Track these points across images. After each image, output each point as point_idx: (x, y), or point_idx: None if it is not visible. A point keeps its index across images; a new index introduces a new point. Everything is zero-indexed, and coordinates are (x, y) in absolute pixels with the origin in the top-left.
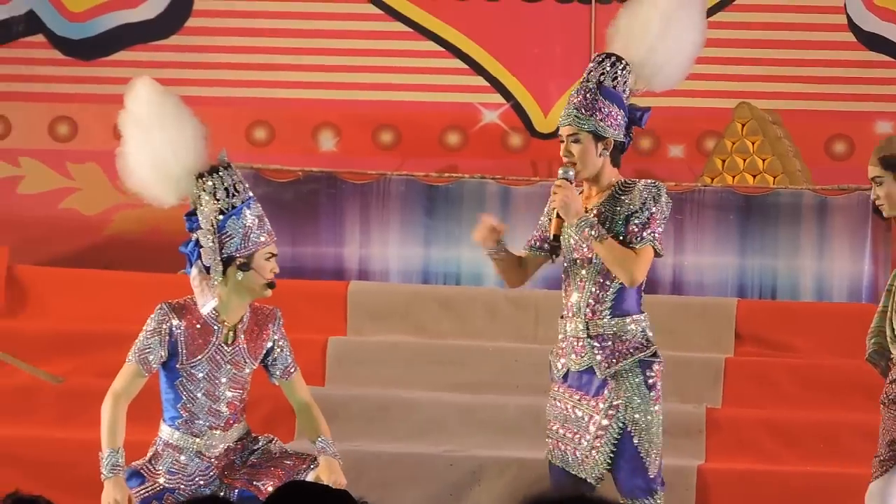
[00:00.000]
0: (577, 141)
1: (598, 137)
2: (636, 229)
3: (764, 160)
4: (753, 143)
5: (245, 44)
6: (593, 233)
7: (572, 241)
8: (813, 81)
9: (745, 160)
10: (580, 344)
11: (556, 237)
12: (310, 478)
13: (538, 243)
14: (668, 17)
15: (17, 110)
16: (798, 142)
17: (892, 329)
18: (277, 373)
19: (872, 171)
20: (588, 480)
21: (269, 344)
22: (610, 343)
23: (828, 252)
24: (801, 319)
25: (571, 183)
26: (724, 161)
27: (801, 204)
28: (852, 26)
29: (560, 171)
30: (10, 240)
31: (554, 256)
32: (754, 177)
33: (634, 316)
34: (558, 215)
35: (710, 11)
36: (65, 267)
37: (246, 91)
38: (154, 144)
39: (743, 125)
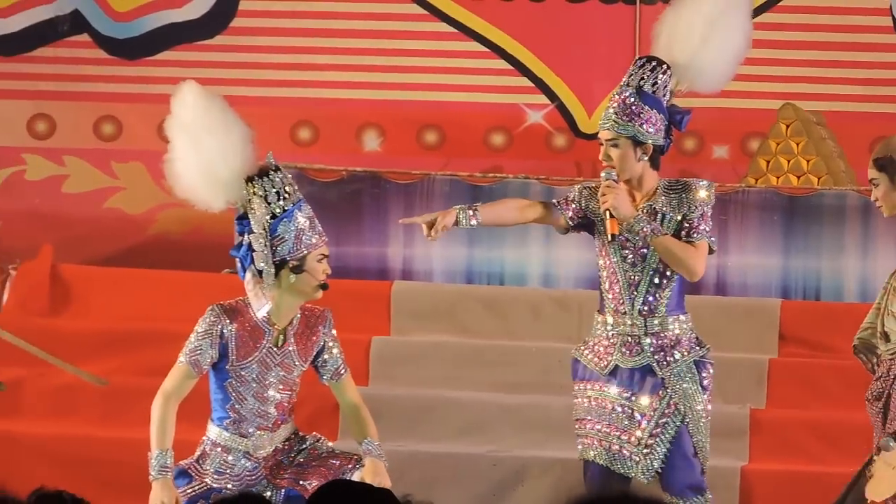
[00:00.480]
0: (615, 146)
1: (636, 143)
2: (692, 225)
3: (808, 161)
4: (798, 144)
5: (289, 44)
6: (651, 229)
7: (623, 237)
8: (857, 83)
9: (789, 161)
10: (635, 341)
11: (614, 236)
12: (355, 478)
13: (570, 215)
14: (712, 20)
15: (62, 110)
16: (842, 143)
17: (883, 325)
18: (328, 374)
19: (870, 173)
20: (636, 478)
21: (320, 345)
22: (668, 341)
23: (872, 253)
24: (845, 320)
25: (617, 183)
26: (768, 162)
27: (846, 205)
28: None
29: (603, 174)
30: (55, 239)
31: (562, 233)
32: (798, 178)
33: (682, 315)
34: (611, 215)
35: (755, 13)
36: (108, 266)
37: (290, 91)
38: (202, 149)
39: (787, 126)
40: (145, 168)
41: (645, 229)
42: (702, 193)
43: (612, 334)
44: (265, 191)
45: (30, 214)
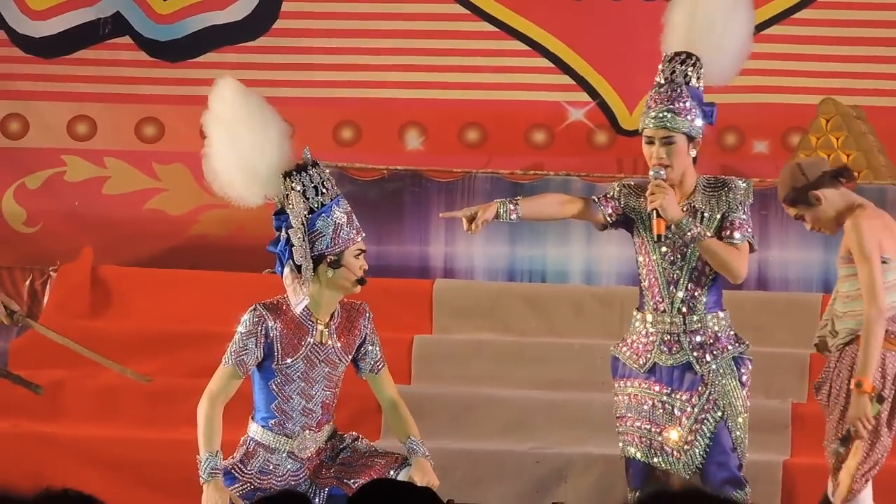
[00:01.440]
0: (670, 143)
1: (690, 138)
2: (734, 226)
3: (848, 155)
4: (838, 139)
5: (332, 45)
6: (698, 231)
7: (665, 238)
8: None
9: (829, 156)
10: (674, 339)
11: (661, 237)
12: (401, 477)
13: (609, 212)
14: (728, 12)
15: (104, 111)
16: (882, 137)
17: (833, 324)
18: (367, 367)
19: (789, 211)
20: (678, 473)
21: (361, 339)
22: (708, 339)
23: None
24: None
25: (665, 181)
26: (808, 156)
27: (886, 199)
28: None
29: (652, 173)
30: (95, 240)
31: (600, 229)
32: None
33: (721, 312)
34: (658, 215)
35: (796, 8)
36: (150, 267)
37: (333, 91)
38: (240, 144)
39: (827, 121)
40: (188, 169)
41: (693, 231)
42: (741, 192)
43: (652, 332)
44: (303, 185)
45: (70, 216)
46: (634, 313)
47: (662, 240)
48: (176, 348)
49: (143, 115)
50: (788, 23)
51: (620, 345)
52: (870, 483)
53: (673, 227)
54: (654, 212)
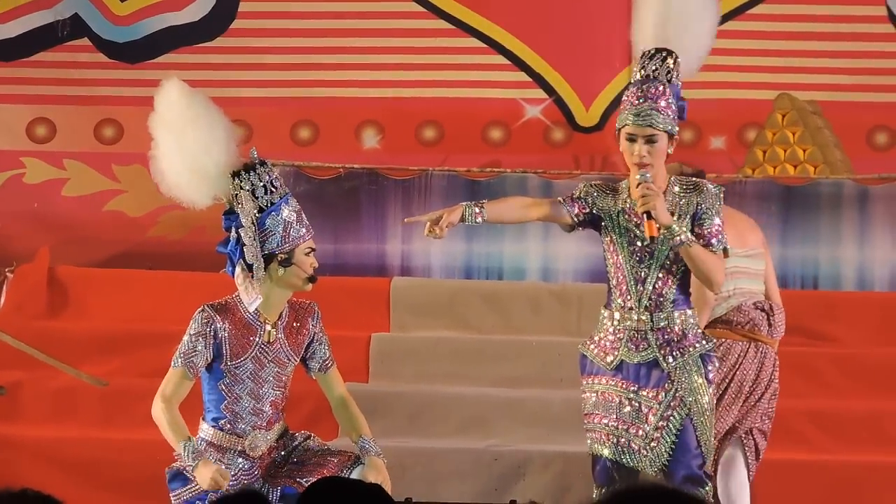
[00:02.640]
0: (653, 141)
1: (670, 136)
2: (710, 234)
3: (805, 150)
4: (794, 134)
5: (289, 44)
6: (684, 238)
7: (630, 233)
8: (853, 72)
9: (785, 151)
10: (641, 336)
11: (653, 239)
12: (354, 476)
13: (576, 212)
14: (698, 5)
15: (62, 113)
16: (839, 132)
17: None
18: (315, 366)
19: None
20: (644, 471)
21: (310, 338)
22: (674, 336)
23: (869, 241)
24: (844, 309)
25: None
26: (765, 152)
27: (842, 194)
28: (892, 17)
29: (639, 176)
30: (54, 242)
31: (568, 231)
32: (795, 167)
33: (688, 310)
34: (649, 217)
35: (751, 4)
36: (108, 268)
37: (290, 91)
38: (187, 145)
39: (783, 116)
40: (147, 171)
41: (681, 237)
42: (713, 198)
43: (619, 329)
44: (252, 185)
45: (28, 217)
46: (602, 311)
47: (656, 242)
48: (134, 348)
49: (102, 117)
50: (743, 18)
51: (588, 342)
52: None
53: (663, 230)
54: (647, 214)
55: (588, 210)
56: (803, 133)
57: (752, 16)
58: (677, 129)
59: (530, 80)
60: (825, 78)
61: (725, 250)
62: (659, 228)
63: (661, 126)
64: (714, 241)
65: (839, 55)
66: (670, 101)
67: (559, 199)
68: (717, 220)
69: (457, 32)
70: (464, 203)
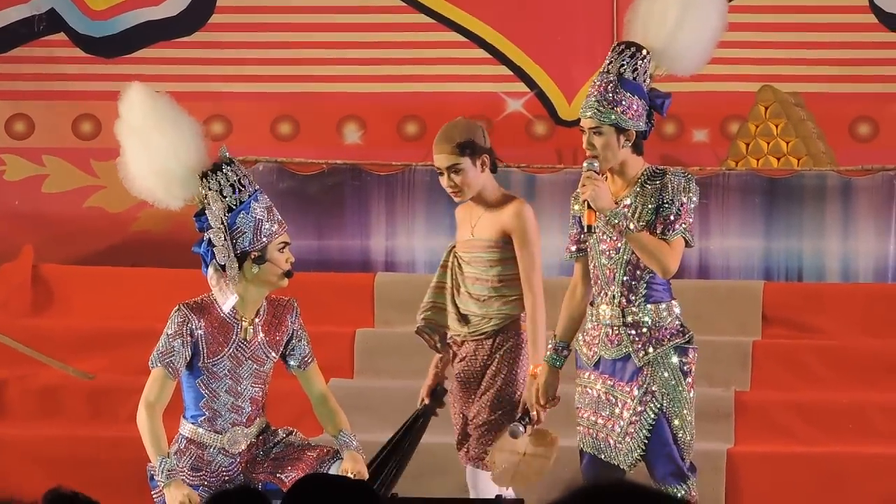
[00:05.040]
0: (599, 133)
1: (619, 130)
2: (668, 220)
3: (788, 143)
4: (777, 126)
5: (268, 39)
6: (626, 224)
7: (600, 231)
8: (836, 63)
9: (769, 143)
10: (615, 332)
11: (591, 228)
12: (333, 470)
13: (576, 246)
14: (686, 3)
15: (40, 109)
16: (821, 124)
17: (457, 307)
18: (295, 363)
19: (444, 158)
20: (621, 467)
21: (289, 335)
22: (646, 330)
23: (853, 233)
24: (828, 300)
25: (598, 174)
26: (748, 144)
27: (826, 185)
28: (874, 7)
29: (585, 164)
30: (35, 239)
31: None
32: (778, 159)
33: (667, 303)
34: (590, 206)
35: None
36: (91, 265)
37: (270, 86)
38: (153, 149)
39: (766, 108)
40: None
41: (621, 224)
42: (679, 187)
43: (596, 325)
44: (219, 185)
45: (9, 215)
46: (588, 307)
47: (592, 231)
48: (118, 346)
49: (80, 112)
50: None
51: (579, 336)
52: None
53: (602, 218)
54: (586, 203)
55: (577, 230)
56: (786, 125)
57: (734, 7)
58: (632, 123)
59: (511, 73)
60: (807, 69)
61: (686, 238)
62: (597, 217)
63: (604, 119)
64: (669, 230)
65: (821, 46)
66: (618, 95)
67: (567, 255)
68: (674, 208)
69: (437, 26)
70: (546, 359)
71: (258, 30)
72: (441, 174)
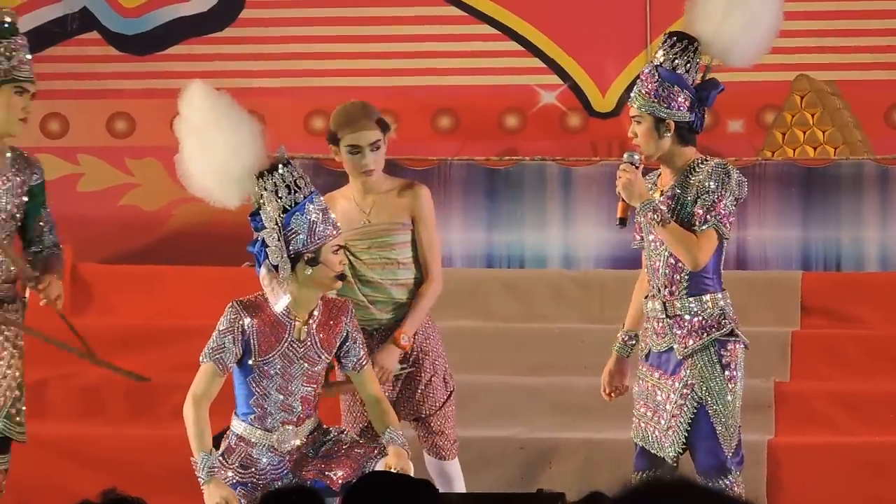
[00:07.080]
0: (639, 122)
1: (658, 119)
2: (701, 212)
3: (824, 132)
4: (813, 115)
5: (300, 33)
6: (656, 216)
7: (644, 223)
8: (871, 51)
9: (805, 132)
10: (660, 325)
11: (623, 220)
12: (379, 466)
13: (640, 236)
14: None
15: (75, 108)
16: (857, 112)
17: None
18: (350, 365)
19: (375, 135)
20: (667, 460)
21: (343, 336)
22: (688, 323)
23: (891, 221)
24: (867, 290)
25: (635, 166)
26: (784, 134)
27: (863, 174)
28: None
29: (625, 156)
30: (72, 238)
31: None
32: (815, 149)
33: (713, 294)
34: (622, 198)
35: None
36: (128, 263)
37: (303, 81)
38: (212, 148)
39: (802, 97)
40: (160, 164)
41: (650, 216)
42: (715, 179)
43: (648, 318)
44: (275, 185)
45: None
46: (643, 298)
47: (625, 223)
48: (158, 344)
49: (114, 111)
50: None
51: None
52: None
53: (629, 211)
54: (621, 195)
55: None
56: (822, 114)
57: None
58: (671, 114)
59: (544, 65)
60: (843, 57)
61: (718, 230)
62: (627, 209)
63: (637, 107)
64: (699, 222)
65: (856, 34)
66: (659, 83)
67: (635, 243)
68: (707, 199)
69: (469, 19)
70: (615, 347)
71: (289, 24)
72: (357, 153)
